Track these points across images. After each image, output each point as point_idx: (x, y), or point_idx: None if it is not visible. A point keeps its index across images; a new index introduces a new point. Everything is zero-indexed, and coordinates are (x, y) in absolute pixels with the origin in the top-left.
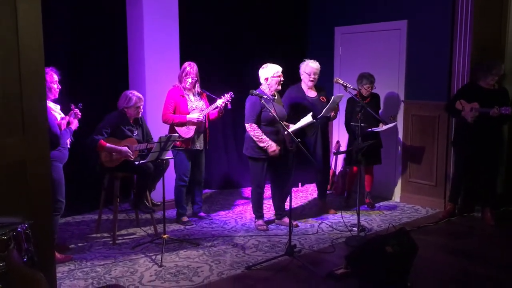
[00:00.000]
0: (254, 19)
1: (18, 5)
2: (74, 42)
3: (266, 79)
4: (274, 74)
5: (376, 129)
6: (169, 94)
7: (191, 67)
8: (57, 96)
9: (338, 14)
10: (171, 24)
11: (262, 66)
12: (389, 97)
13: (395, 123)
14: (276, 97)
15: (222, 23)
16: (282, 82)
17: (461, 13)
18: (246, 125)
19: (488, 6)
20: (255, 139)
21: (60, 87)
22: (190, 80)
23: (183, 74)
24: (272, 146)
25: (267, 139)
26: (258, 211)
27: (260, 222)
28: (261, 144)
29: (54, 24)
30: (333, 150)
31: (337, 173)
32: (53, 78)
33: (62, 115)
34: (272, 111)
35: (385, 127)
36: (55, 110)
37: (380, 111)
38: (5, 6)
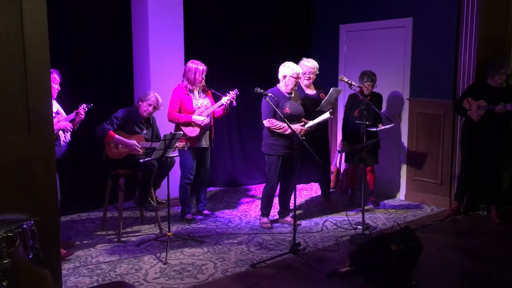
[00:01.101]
0: (259, 17)
1: (24, 5)
2: (78, 40)
3: (284, 76)
4: (292, 74)
5: (373, 129)
6: (174, 93)
7: (202, 66)
8: (55, 97)
9: (343, 12)
10: (175, 22)
11: (284, 64)
12: (394, 95)
13: (392, 125)
14: (293, 95)
15: (226, 21)
16: (297, 83)
17: (466, 11)
18: (264, 121)
19: (494, 3)
20: (277, 130)
21: (59, 88)
22: (203, 77)
23: (198, 75)
24: (297, 128)
25: (288, 125)
26: (266, 209)
27: (265, 220)
28: (287, 132)
29: (57, 22)
30: (338, 148)
31: (341, 171)
32: (55, 79)
33: (63, 113)
34: (286, 109)
35: (382, 127)
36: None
37: (382, 111)
38: (10, 5)
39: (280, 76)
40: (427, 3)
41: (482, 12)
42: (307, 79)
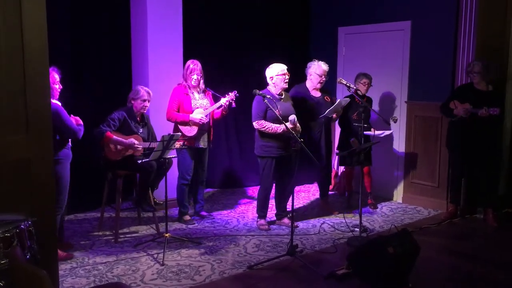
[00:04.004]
0: (258, 19)
1: (23, 5)
2: (77, 40)
3: (271, 78)
4: (278, 73)
5: (368, 133)
6: (174, 92)
7: (194, 64)
8: (57, 97)
9: (342, 15)
10: (174, 23)
11: (269, 66)
12: (392, 98)
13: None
14: (283, 96)
15: (226, 22)
16: (287, 80)
17: (465, 14)
18: (253, 123)
19: (492, 7)
20: (267, 131)
21: (61, 86)
22: (195, 77)
23: (188, 72)
24: (287, 125)
25: (277, 125)
26: (262, 211)
27: (262, 221)
28: (278, 131)
29: (56, 22)
30: (336, 151)
31: (339, 173)
32: (55, 79)
33: None
34: (276, 111)
35: (377, 132)
36: None
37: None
38: (10, 5)
39: (267, 79)
40: (425, 6)
41: (481, 16)
42: (321, 83)
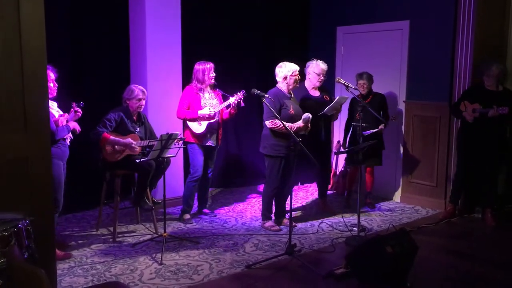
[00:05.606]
0: (258, 19)
1: (21, 5)
2: (76, 40)
3: (285, 77)
4: (292, 73)
5: (366, 133)
6: (184, 92)
7: (209, 64)
8: (54, 94)
9: (340, 14)
10: (173, 23)
11: (279, 65)
12: (391, 98)
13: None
14: (292, 95)
15: (226, 22)
16: (299, 80)
17: (463, 14)
18: (266, 122)
19: (491, 7)
20: (282, 130)
21: (57, 85)
22: (213, 74)
23: (205, 73)
24: (299, 123)
25: (290, 124)
26: (269, 211)
27: (271, 223)
28: (292, 130)
29: (55, 22)
30: (334, 150)
31: (337, 173)
32: (49, 76)
33: (61, 112)
34: (291, 110)
35: (380, 128)
36: (52, 107)
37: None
38: (8, 5)
39: (279, 77)
40: (424, 6)
41: (479, 16)
42: (320, 82)
